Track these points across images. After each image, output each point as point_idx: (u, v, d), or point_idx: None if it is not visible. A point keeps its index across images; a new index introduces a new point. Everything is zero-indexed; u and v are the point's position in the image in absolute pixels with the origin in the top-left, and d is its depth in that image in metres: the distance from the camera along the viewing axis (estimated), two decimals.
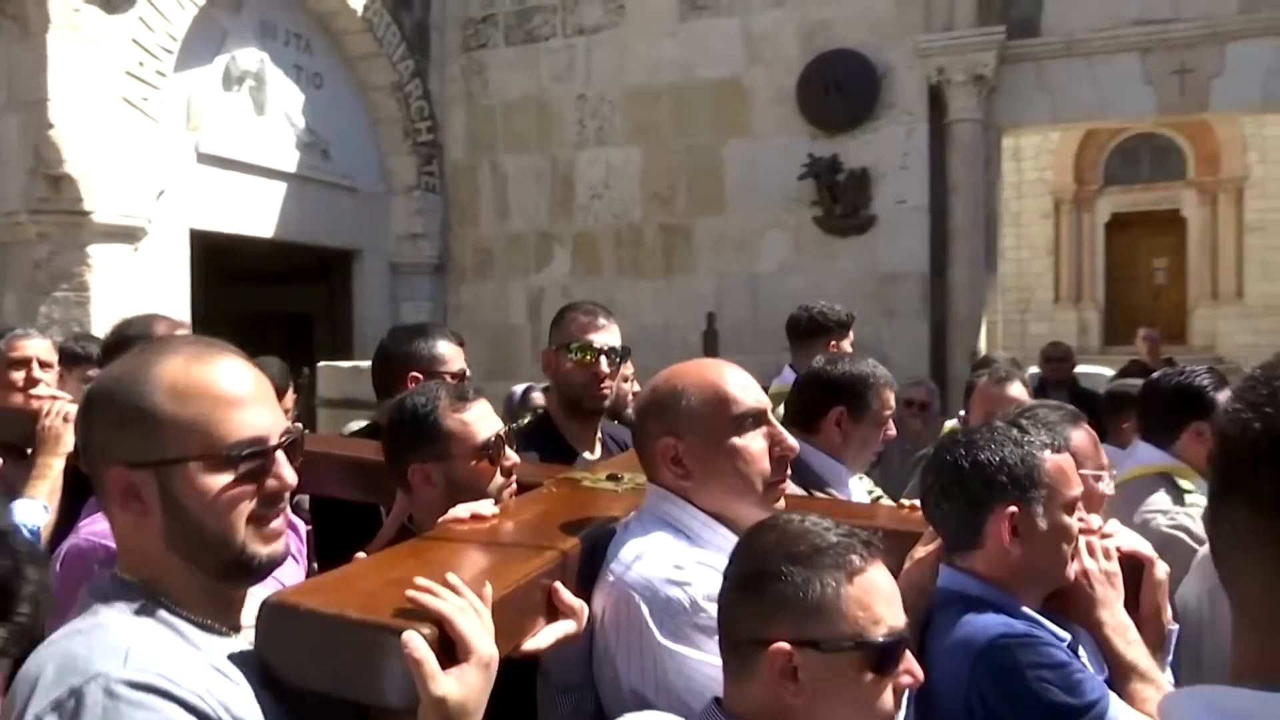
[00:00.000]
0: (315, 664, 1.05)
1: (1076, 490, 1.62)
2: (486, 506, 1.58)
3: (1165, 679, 1.57)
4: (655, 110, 7.87)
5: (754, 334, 7.47)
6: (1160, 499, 2.50)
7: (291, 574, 1.89)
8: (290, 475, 1.10)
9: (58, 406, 2.33)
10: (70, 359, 3.25)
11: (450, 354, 2.46)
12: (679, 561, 1.44)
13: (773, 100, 7.49)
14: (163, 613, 1.05)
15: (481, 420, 1.83)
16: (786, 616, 1.19)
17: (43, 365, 2.69)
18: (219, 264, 7.51)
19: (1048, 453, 1.61)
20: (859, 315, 7.24)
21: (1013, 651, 1.46)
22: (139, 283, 6.10)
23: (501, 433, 1.86)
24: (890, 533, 1.48)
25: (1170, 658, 1.65)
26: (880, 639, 1.19)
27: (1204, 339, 17.89)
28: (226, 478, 1.06)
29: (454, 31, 8.52)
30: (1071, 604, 1.61)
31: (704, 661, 1.36)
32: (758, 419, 1.57)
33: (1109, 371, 7.95)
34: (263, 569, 1.09)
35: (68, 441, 2.27)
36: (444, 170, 8.55)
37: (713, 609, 1.31)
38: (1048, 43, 7.11)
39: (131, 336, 2.31)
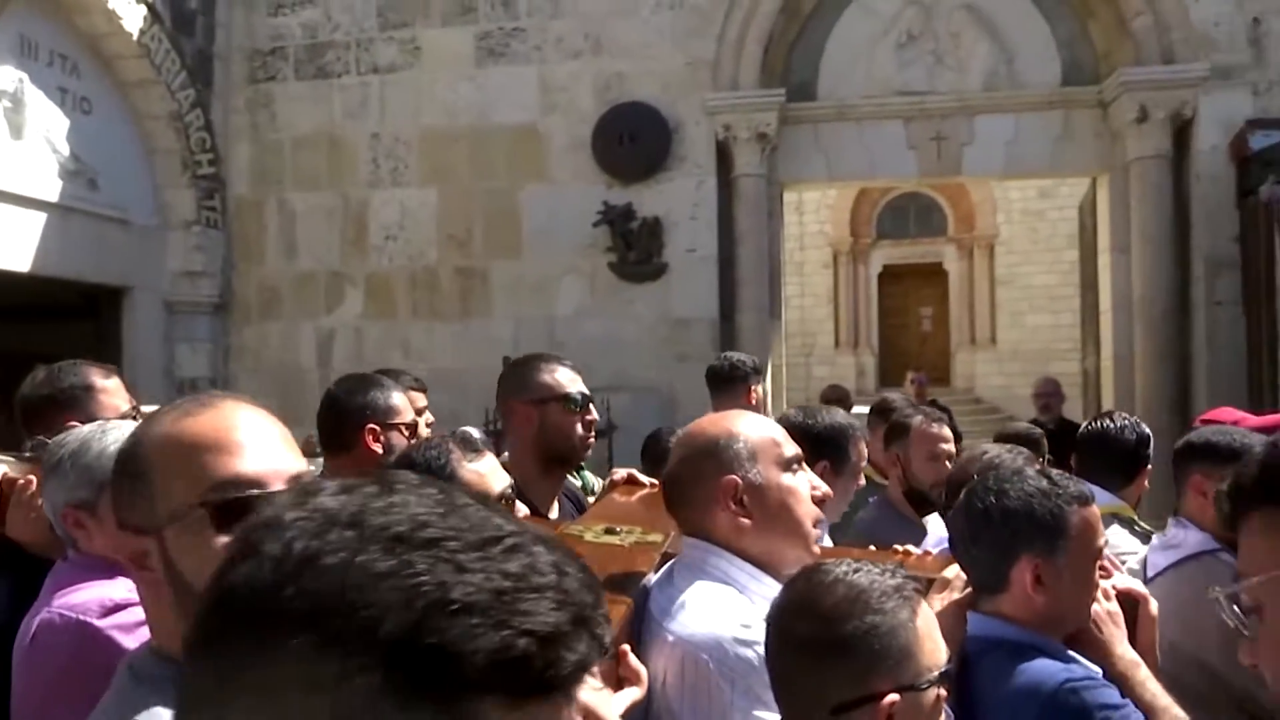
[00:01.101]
0: None
1: (1100, 542, 1.67)
2: None
3: (1181, 714, 1.61)
4: (452, 152, 7.85)
5: None
6: (1122, 537, 2.63)
7: None
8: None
9: None
10: None
11: (403, 404, 2.36)
12: (745, 620, 1.41)
13: (569, 148, 7.65)
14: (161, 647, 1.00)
15: (494, 474, 1.78)
16: (885, 667, 1.20)
17: None
18: None
19: (1075, 505, 1.64)
20: (652, 360, 7.53)
21: (1080, 695, 1.49)
22: None
23: (510, 487, 1.79)
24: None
25: None
26: (946, 666, 1.26)
27: (965, 381, 19.52)
28: (211, 530, 0.96)
29: (240, 62, 8.20)
30: (1082, 644, 1.66)
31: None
32: (799, 462, 1.62)
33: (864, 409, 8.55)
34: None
35: None
36: (227, 205, 8.16)
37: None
38: (823, 107, 7.65)
39: (67, 387, 2.14)
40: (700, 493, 1.57)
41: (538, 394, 2.32)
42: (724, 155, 7.52)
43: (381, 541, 0.51)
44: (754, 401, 3.92)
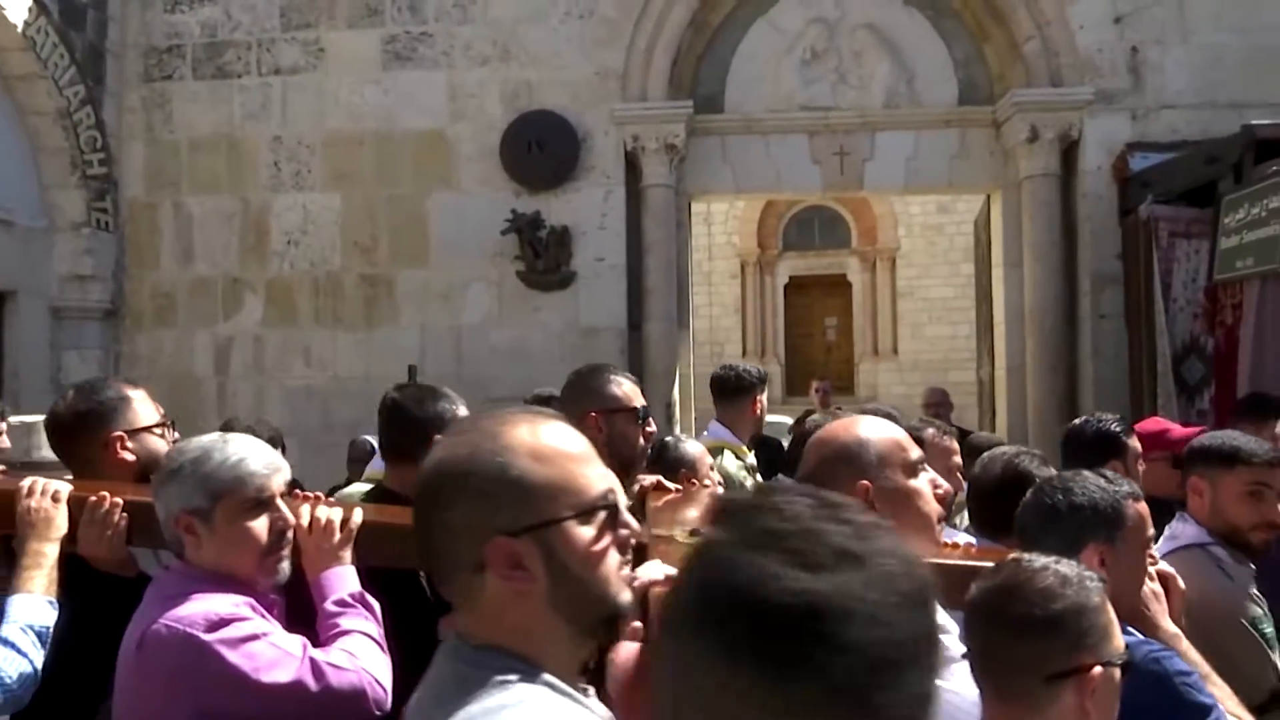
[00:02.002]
0: None
1: (1150, 531, 1.93)
2: (659, 569, 1.56)
3: (1218, 679, 1.84)
4: (356, 157, 7.72)
5: (458, 386, 7.40)
6: None
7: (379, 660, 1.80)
8: (636, 524, 1.14)
9: (42, 484, 2.00)
10: None
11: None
12: None
13: (477, 155, 7.60)
14: (556, 682, 1.05)
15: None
16: (1088, 643, 1.40)
17: None
18: None
19: (1130, 500, 1.90)
20: (560, 369, 7.48)
21: (1161, 663, 1.72)
22: None
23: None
24: (972, 570, 1.66)
25: None
26: (1125, 648, 1.47)
27: (868, 390, 19.98)
28: (594, 532, 1.08)
29: (134, 59, 7.92)
30: (1131, 620, 1.83)
31: (950, 691, 1.46)
32: (922, 464, 1.75)
33: (789, 420, 8.73)
34: (626, 619, 1.12)
35: (60, 524, 1.96)
36: (119, 207, 7.86)
37: (948, 640, 1.40)
38: (730, 119, 7.77)
39: (104, 400, 2.17)
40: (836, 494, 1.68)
41: (609, 404, 2.45)
42: (632, 165, 7.57)
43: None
44: (759, 410, 4.10)
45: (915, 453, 1.75)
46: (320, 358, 7.70)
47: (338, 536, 1.89)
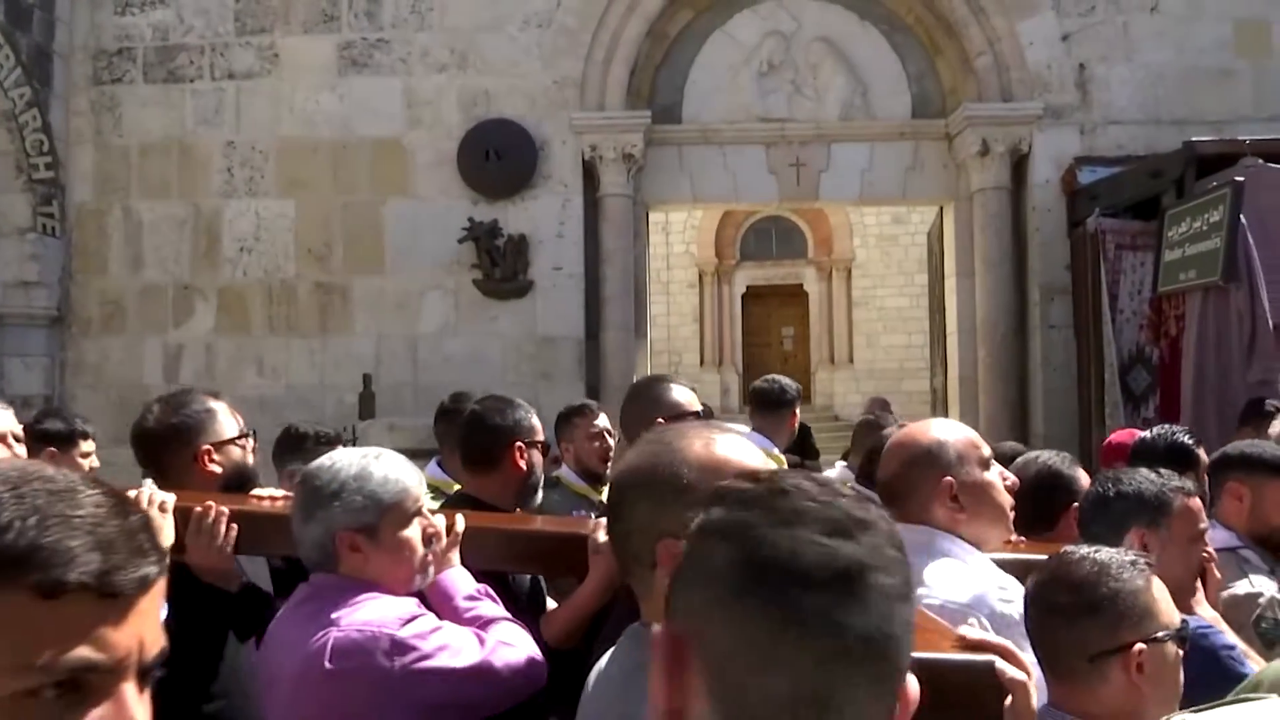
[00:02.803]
0: None
1: (1202, 525, 2.10)
2: None
3: (1256, 655, 1.99)
4: (311, 164, 7.64)
5: (414, 395, 7.40)
6: None
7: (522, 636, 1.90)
8: None
9: (147, 494, 2.03)
10: (62, 439, 3.16)
11: (539, 425, 2.63)
12: (1000, 583, 1.76)
13: (434, 163, 7.56)
14: None
15: None
16: (1129, 623, 1.51)
17: (17, 439, 2.47)
18: None
19: (1180, 494, 2.07)
20: (516, 378, 7.51)
21: (1209, 638, 1.88)
22: None
23: None
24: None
25: None
26: (1179, 624, 1.56)
27: (824, 399, 20.14)
28: None
29: (82, 62, 7.78)
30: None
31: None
32: (993, 459, 1.95)
33: (746, 428, 8.75)
34: None
35: (170, 533, 2.00)
36: (66, 212, 7.71)
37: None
38: (688, 130, 7.82)
39: (193, 413, 2.22)
40: (922, 491, 1.88)
41: (671, 411, 2.57)
42: (590, 174, 7.58)
43: None
44: (795, 424, 4.28)
45: (986, 449, 1.95)
46: (273, 366, 7.60)
47: (444, 541, 1.98)
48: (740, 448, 1.25)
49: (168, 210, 7.72)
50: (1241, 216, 5.22)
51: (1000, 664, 1.16)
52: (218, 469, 2.21)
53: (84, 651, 0.62)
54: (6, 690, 0.61)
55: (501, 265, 7.42)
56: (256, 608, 2.09)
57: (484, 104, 7.56)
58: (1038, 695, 1.46)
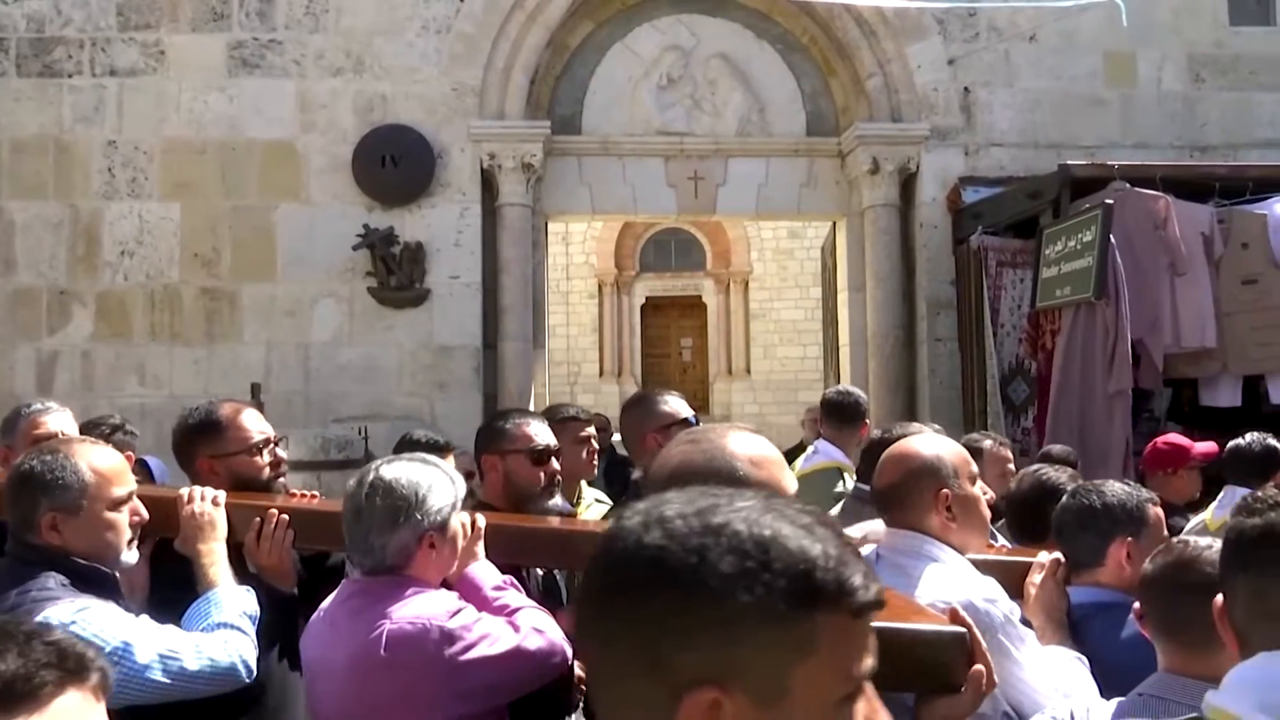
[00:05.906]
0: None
1: (1164, 531, 2.26)
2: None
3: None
4: (198, 166, 7.39)
5: (305, 404, 7.22)
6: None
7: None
8: None
9: (200, 491, 2.24)
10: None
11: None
12: (984, 587, 1.89)
13: (328, 168, 7.40)
14: None
15: None
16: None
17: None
18: None
19: (1150, 504, 2.26)
20: (412, 387, 7.39)
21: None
22: None
23: None
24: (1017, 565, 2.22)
25: None
26: None
27: (722, 409, 20.41)
28: None
29: None
30: None
31: (1015, 663, 1.79)
32: (978, 476, 2.10)
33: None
34: None
35: (223, 526, 2.21)
36: None
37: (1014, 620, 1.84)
38: (587, 141, 7.85)
39: (219, 417, 2.44)
40: (921, 501, 2.01)
41: (663, 420, 2.80)
42: (489, 183, 7.54)
43: None
44: (866, 435, 4.18)
45: (974, 466, 2.12)
46: (155, 375, 7.31)
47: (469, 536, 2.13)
48: (768, 447, 1.43)
49: (42, 211, 7.36)
50: (1111, 236, 5.52)
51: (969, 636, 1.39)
52: (241, 471, 2.41)
53: (870, 660, 0.81)
54: (837, 694, 0.79)
55: (397, 273, 7.30)
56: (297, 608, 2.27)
57: (380, 109, 7.44)
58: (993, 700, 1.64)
